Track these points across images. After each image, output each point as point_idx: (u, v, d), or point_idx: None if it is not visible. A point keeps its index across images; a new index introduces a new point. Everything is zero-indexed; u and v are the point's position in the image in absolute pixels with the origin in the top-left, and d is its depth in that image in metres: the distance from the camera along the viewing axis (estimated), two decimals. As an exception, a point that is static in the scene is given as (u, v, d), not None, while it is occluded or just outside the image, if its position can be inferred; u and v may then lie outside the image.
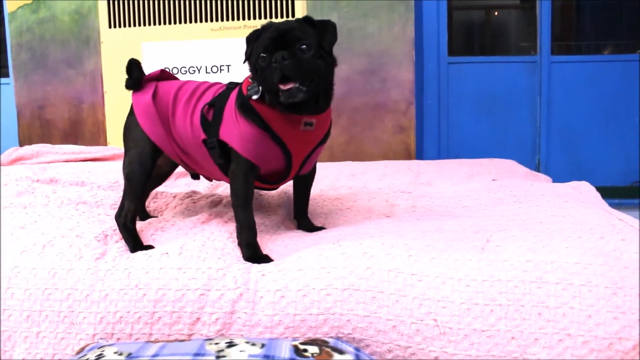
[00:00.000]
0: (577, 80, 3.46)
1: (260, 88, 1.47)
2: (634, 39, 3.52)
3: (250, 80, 1.51)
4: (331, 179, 2.40)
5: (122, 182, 2.00)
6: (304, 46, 1.42)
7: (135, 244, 1.56)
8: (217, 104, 1.55)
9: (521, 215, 1.63)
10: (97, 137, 3.48)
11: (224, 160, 1.52)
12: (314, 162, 1.66)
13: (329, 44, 1.47)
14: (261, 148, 1.48)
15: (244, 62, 1.51)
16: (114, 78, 3.39)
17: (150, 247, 1.56)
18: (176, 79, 1.79)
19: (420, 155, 3.38)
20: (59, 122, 3.53)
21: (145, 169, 1.62)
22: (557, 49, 3.54)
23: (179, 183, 2.40)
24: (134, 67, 1.71)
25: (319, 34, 1.46)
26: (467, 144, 3.47)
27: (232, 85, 1.60)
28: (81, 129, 3.51)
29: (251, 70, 1.50)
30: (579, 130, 3.49)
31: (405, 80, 3.17)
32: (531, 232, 1.47)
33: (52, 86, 3.55)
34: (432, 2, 3.35)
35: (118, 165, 2.72)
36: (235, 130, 1.48)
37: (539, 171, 3.50)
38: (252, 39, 1.48)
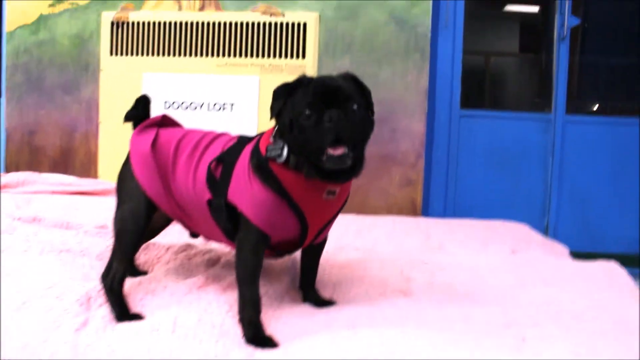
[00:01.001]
0: (592, 142, 3.34)
1: (285, 150, 1.30)
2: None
3: (272, 139, 1.34)
4: (336, 236, 2.24)
5: (111, 225, 1.83)
6: (356, 106, 1.27)
7: (121, 311, 1.39)
8: (227, 160, 1.39)
9: (553, 304, 1.48)
10: (88, 168, 3.30)
11: (231, 225, 1.36)
12: (329, 231, 1.50)
13: (373, 107, 1.34)
14: (276, 216, 1.31)
15: (271, 119, 1.35)
16: (111, 108, 3.23)
17: (138, 316, 1.38)
18: (179, 125, 1.63)
19: (425, 210, 3.23)
20: (49, 150, 3.36)
21: (138, 227, 1.45)
22: (571, 107, 3.42)
23: (172, 230, 2.23)
24: (141, 103, 1.57)
25: (364, 94, 1.32)
26: (475, 202, 3.32)
27: (244, 140, 1.44)
28: (72, 158, 3.33)
29: (283, 128, 1.31)
30: (590, 194, 3.36)
31: (416, 131, 3.04)
32: (569, 331, 1.31)
33: (46, 111, 3.38)
34: (448, 51, 3.23)
35: (108, 203, 2.55)
36: (247, 193, 1.32)
37: (547, 233, 3.35)
38: (284, 93, 1.31)
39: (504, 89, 4.71)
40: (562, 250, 2.36)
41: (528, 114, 3.42)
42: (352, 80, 1.33)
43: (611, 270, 1.79)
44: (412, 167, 3.05)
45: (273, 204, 1.30)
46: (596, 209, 3.37)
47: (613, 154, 3.34)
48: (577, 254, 2.45)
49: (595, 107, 3.80)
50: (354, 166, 1.32)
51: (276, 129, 1.35)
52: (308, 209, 1.31)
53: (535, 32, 4.65)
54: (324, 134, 1.23)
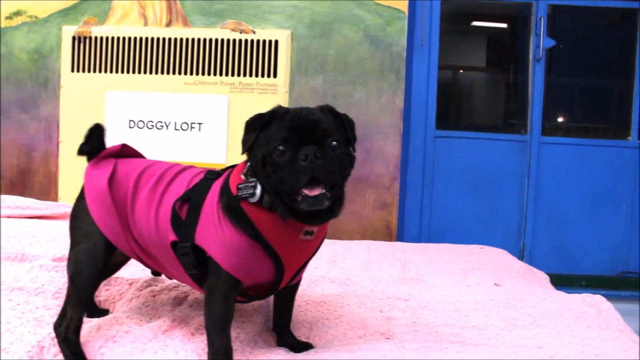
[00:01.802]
0: (567, 163, 3.31)
1: (258, 189, 1.18)
2: (624, 125, 3.40)
3: (243, 177, 1.23)
4: (310, 266, 2.12)
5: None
6: (335, 142, 1.16)
7: (77, 363, 1.25)
8: (193, 198, 1.27)
9: (544, 348, 1.39)
10: (48, 190, 3.14)
11: (198, 269, 1.24)
12: (305, 271, 1.39)
13: (354, 142, 1.23)
14: (249, 261, 1.19)
15: (242, 154, 1.23)
16: (72, 127, 3.08)
17: (96, 368, 1.25)
18: (141, 155, 1.50)
19: (400, 233, 3.14)
20: (6, 170, 3.19)
21: (94, 270, 1.32)
22: (547, 129, 3.39)
23: (134, 261, 2.09)
24: (94, 133, 1.42)
25: (345, 128, 1.21)
26: (451, 224, 3.25)
27: (211, 175, 1.32)
28: (30, 179, 3.17)
29: (255, 164, 1.20)
30: (566, 216, 3.32)
31: (390, 153, 2.96)
32: (565, 380, 1.23)
33: (1, 130, 3.21)
34: (423, 71, 3.17)
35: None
36: (216, 237, 1.20)
37: (523, 256, 3.31)
38: (258, 126, 1.19)
39: (472, 106, 4.67)
40: (543, 277, 2.30)
41: (503, 135, 3.37)
42: (331, 112, 1.23)
43: (599, 305, 1.72)
44: (387, 190, 2.97)
45: (246, 249, 1.18)
46: (572, 231, 3.34)
47: (588, 176, 3.31)
48: (553, 276, 2.41)
49: (567, 129, 3.78)
50: (333, 206, 1.21)
51: (248, 165, 1.24)
52: (284, 251, 1.20)
53: (503, 47, 4.64)
54: (299, 173, 1.12)
